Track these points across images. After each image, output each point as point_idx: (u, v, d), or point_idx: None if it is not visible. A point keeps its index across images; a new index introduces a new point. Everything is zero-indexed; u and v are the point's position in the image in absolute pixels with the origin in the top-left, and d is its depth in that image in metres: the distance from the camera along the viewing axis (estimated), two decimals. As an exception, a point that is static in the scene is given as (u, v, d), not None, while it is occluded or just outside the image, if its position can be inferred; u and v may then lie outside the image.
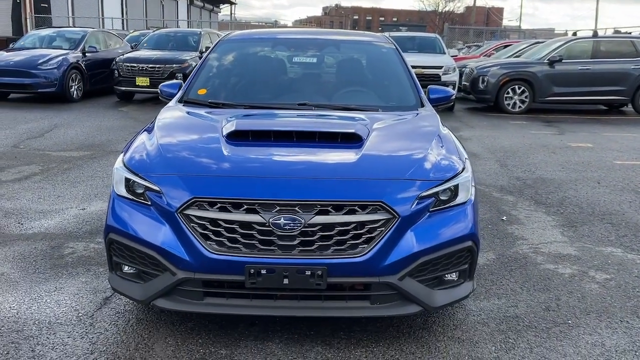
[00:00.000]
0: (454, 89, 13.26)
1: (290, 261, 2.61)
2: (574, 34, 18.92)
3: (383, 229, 2.65)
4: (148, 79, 12.71)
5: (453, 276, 2.92)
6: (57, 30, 15.10)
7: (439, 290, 2.86)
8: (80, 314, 3.16)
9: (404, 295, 2.72)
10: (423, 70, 13.18)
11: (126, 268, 2.89)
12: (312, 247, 2.63)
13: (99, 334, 2.96)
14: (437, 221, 2.81)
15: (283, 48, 4.44)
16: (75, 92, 12.90)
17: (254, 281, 2.62)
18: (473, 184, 3.07)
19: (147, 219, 2.75)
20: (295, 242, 2.61)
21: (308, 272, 2.60)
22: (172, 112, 3.59)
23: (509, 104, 12.99)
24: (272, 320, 3.07)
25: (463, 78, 14.63)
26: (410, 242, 2.70)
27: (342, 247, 2.64)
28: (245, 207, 2.61)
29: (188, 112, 3.57)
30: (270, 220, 2.59)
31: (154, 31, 16.83)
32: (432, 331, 3.07)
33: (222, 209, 2.63)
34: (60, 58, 12.71)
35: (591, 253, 4.31)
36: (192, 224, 2.65)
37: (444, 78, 13.16)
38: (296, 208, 2.61)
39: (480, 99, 13.78)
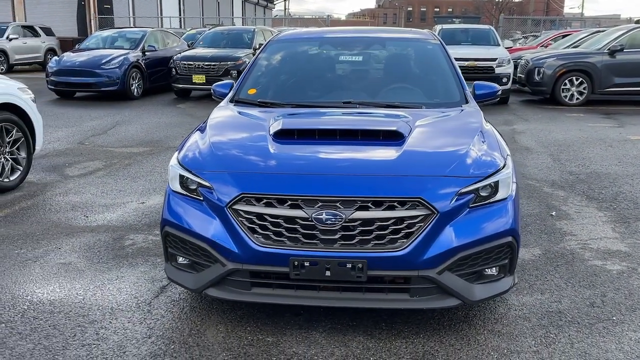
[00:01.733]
0: (507, 81, 13.05)
1: (332, 254, 2.73)
2: (637, 21, 18.18)
3: (422, 224, 2.74)
4: (204, 76, 13.09)
5: (493, 271, 2.98)
6: (119, 31, 15.71)
7: (478, 285, 2.93)
8: (139, 301, 3.39)
9: (443, 288, 2.81)
10: (476, 62, 13.04)
11: (180, 259, 3.09)
12: (353, 241, 2.75)
13: (156, 320, 3.17)
14: (477, 217, 2.87)
15: (330, 47, 4.56)
16: (135, 90, 13.42)
17: (297, 273, 2.76)
18: (514, 180, 3.11)
19: (200, 213, 2.94)
20: (337, 237, 2.74)
21: (349, 265, 2.73)
22: (223, 112, 3.78)
23: (566, 96, 12.68)
24: (317, 311, 3.20)
25: (518, 70, 14.36)
26: (449, 238, 2.78)
27: (382, 242, 2.74)
28: (289, 202, 2.76)
29: (239, 112, 3.75)
30: (313, 215, 2.73)
31: (209, 29, 17.25)
32: (472, 324, 3.13)
33: (268, 204, 2.78)
34: (122, 58, 13.26)
35: (642, 249, 4.25)
36: (240, 219, 2.82)
37: (497, 70, 12.95)
38: (337, 204, 2.73)
39: (535, 91, 13.51)
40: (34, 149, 6.12)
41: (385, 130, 3.18)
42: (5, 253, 4.14)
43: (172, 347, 2.90)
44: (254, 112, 3.73)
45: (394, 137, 3.15)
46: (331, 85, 4.24)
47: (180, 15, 32.80)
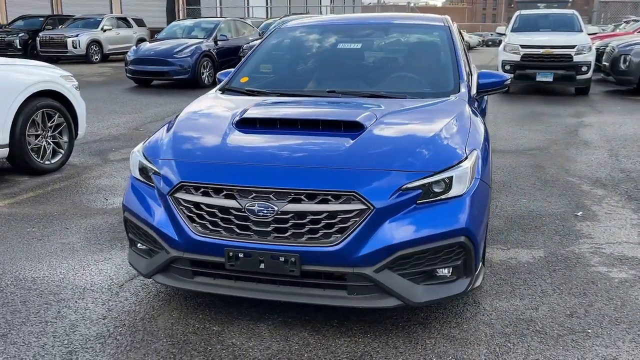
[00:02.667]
0: (588, 70, 12.21)
1: (265, 247, 2.68)
2: None
3: (357, 219, 2.62)
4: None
5: (445, 272, 2.81)
6: (195, 21, 16.24)
7: (425, 286, 2.77)
8: (112, 283, 3.50)
9: (381, 287, 2.68)
10: (552, 50, 12.31)
11: (139, 244, 3.15)
12: (286, 234, 2.68)
13: (118, 302, 3.26)
14: (423, 214, 2.70)
15: (332, 35, 4.44)
16: (206, 78, 13.84)
17: (232, 264, 2.73)
18: (478, 176, 2.90)
19: (150, 200, 2.98)
20: (269, 229, 2.68)
21: (282, 259, 2.66)
22: (201, 101, 3.80)
23: (653, 87, 11.67)
24: (274, 304, 3.16)
25: (603, 58, 13.40)
26: (387, 235, 2.64)
27: (316, 236, 2.65)
28: (225, 192, 2.73)
29: (215, 100, 3.74)
30: (246, 206, 2.68)
31: (280, 18, 17.44)
32: (428, 327, 2.97)
33: (205, 194, 2.77)
34: (194, 47, 13.71)
35: (662, 257, 3.84)
36: (180, 207, 2.83)
37: (576, 58, 12.15)
38: (270, 195, 2.67)
39: (620, 80, 12.54)
40: (76, 134, 6.47)
41: (346, 121, 3.07)
42: (17, 231, 4.41)
43: (120, 330, 2.97)
44: (231, 101, 3.71)
45: (353, 128, 3.02)
46: (321, 74, 4.14)
47: (267, 4, 33.37)
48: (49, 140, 6.15)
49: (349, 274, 2.66)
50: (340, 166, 2.73)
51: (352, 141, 2.90)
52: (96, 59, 21.35)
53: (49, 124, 6.12)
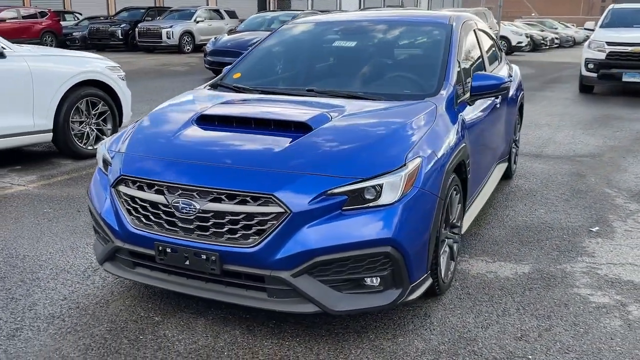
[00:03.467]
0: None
1: (189, 244, 2.72)
2: None
3: (275, 222, 2.60)
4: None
5: (374, 281, 2.72)
6: (275, 14, 16.55)
7: (348, 294, 2.70)
8: (89, 267, 3.69)
9: (298, 292, 2.64)
10: (641, 48, 11.35)
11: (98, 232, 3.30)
12: (207, 233, 2.71)
13: (85, 285, 3.44)
14: (348, 221, 2.63)
15: (329, 33, 4.38)
16: (278, 71, 14.07)
17: (162, 258, 2.80)
18: (419, 185, 2.78)
19: (103, 191, 3.12)
20: (193, 226, 2.72)
21: (204, 256, 2.70)
22: (183, 96, 3.88)
23: None
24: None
25: None
26: (305, 240, 2.60)
27: (235, 236, 2.66)
28: (156, 187, 2.80)
29: (194, 96, 3.82)
30: (172, 202, 2.74)
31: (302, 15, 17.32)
32: (362, 336, 2.89)
33: (140, 188, 2.86)
34: (268, 39, 13.97)
35: (663, 284, 3.48)
36: (121, 199, 2.94)
37: (669, 59, 11.13)
38: (194, 193, 2.71)
39: None
40: (120, 121, 6.84)
41: (295, 122, 3.03)
42: (36, 211, 4.75)
43: (71, 312, 3.14)
44: (213, 96, 3.77)
45: (301, 129, 2.99)
46: (309, 73, 4.11)
47: (360, 7, 33.24)
48: (93, 127, 6.54)
49: (267, 277, 2.65)
50: (264, 168, 2.72)
51: (289, 143, 2.87)
52: (188, 49, 22.31)
53: (93, 112, 6.51)
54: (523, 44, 26.33)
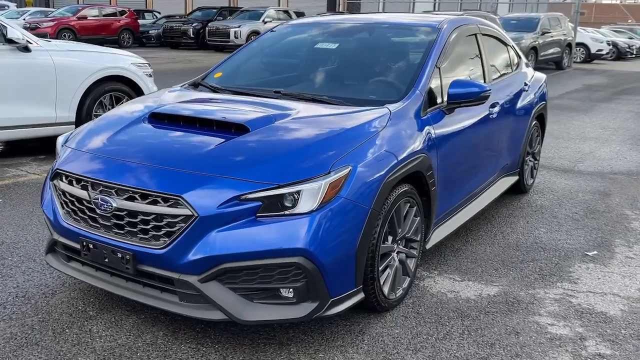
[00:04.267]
0: None
1: (108, 241, 2.71)
2: None
3: (183, 224, 2.54)
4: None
5: (288, 293, 2.61)
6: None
7: (260, 304, 2.60)
8: (55, 257, 3.77)
9: (205, 298, 2.57)
10: None
11: (51, 224, 3.36)
12: (123, 231, 2.68)
13: (42, 274, 3.50)
14: (260, 228, 2.54)
15: (315, 35, 4.26)
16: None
17: (86, 253, 2.81)
18: (344, 195, 2.64)
19: (47, 184, 3.17)
20: (110, 224, 2.71)
21: (119, 255, 2.68)
22: (157, 92, 3.89)
23: None
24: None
25: None
26: (212, 244, 2.52)
27: (147, 236, 2.63)
28: (82, 183, 2.81)
29: (164, 94, 3.80)
30: (93, 198, 2.74)
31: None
32: (285, 347, 2.78)
33: (70, 183, 2.88)
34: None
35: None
36: (56, 193, 2.98)
37: None
38: (113, 191, 2.69)
39: None
40: (144, 117, 7.00)
41: (235, 123, 2.96)
42: (36, 199, 4.93)
43: (15, 300, 3.20)
44: (182, 95, 3.74)
45: (239, 131, 2.91)
46: (282, 74, 4.02)
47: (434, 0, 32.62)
48: (116, 122, 6.74)
49: (176, 280, 2.60)
50: (180, 168, 2.66)
51: (218, 144, 2.80)
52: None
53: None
54: (604, 52, 24.91)
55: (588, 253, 4.06)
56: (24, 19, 23.58)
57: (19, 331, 2.90)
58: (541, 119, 5.54)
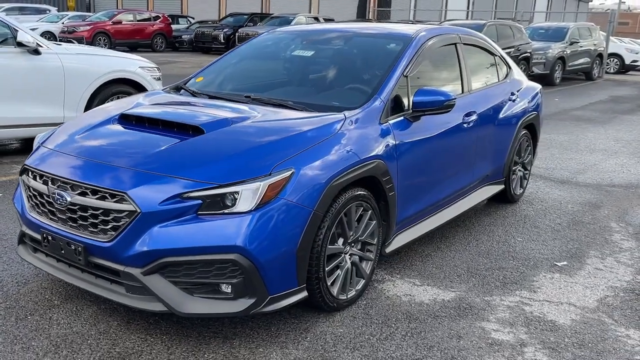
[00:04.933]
0: None
1: (63, 233, 2.88)
2: None
3: (127, 219, 2.69)
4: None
5: (227, 289, 2.73)
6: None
7: (200, 298, 2.73)
8: (37, 249, 3.98)
9: (147, 290, 2.71)
10: None
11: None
12: (76, 224, 2.85)
13: (20, 265, 3.71)
14: (200, 225, 2.67)
15: (293, 42, 4.39)
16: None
17: (46, 244, 2.99)
18: (283, 197, 2.75)
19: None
20: (65, 217, 2.88)
21: (72, 247, 2.85)
22: (134, 97, 4.07)
23: None
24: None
25: None
26: (155, 239, 2.66)
27: (96, 230, 2.79)
28: (44, 178, 2.99)
29: (142, 96, 3.97)
30: (50, 193, 2.91)
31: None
32: (229, 341, 2.90)
33: (34, 178, 3.07)
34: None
35: (594, 329, 3.15)
36: (24, 186, 3.17)
37: None
38: (69, 186, 2.86)
39: None
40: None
41: (192, 125, 3.10)
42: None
43: (-10, 286, 3.42)
44: (160, 98, 3.91)
45: (196, 132, 3.06)
46: (255, 80, 4.16)
47: (467, 8, 32.38)
48: (123, 123, 6.99)
49: (121, 272, 2.75)
50: (129, 167, 2.81)
51: (171, 144, 2.95)
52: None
53: (124, 109, 6.95)
54: (639, 63, 24.36)
55: (557, 263, 4.06)
56: (63, 23, 24.41)
57: (-14, 316, 3.09)
58: (532, 128, 5.53)
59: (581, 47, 18.32)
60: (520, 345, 2.98)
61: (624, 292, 3.66)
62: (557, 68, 17.08)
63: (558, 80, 17.31)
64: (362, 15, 24.83)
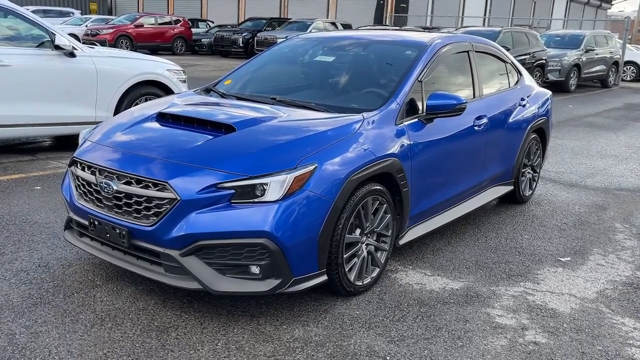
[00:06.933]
0: None
1: (109, 218, 3.21)
2: None
3: (168, 206, 3.01)
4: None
5: (256, 270, 3.04)
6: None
7: (231, 277, 3.04)
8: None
9: (184, 270, 3.03)
10: None
11: (72, 204, 3.89)
12: (121, 210, 3.18)
13: (63, 250, 4.04)
14: (232, 212, 2.98)
15: (315, 48, 4.71)
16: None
17: (93, 229, 3.32)
18: (308, 188, 3.05)
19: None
20: (111, 204, 3.21)
21: (117, 230, 3.17)
22: (169, 97, 4.40)
23: None
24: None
25: None
26: (192, 224, 2.98)
27: (139, 215, 3.11)
28: (92, 169, 3.33)
29: (177, 97, 4.31)
30: (98, 182, 3.25)
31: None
32: (239, 317, 3.20)
33: (82, 169, 3.40)
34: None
35: (591, 317, 3.42)
36: (73, 177, 3.51)
37: None
38: (115, 176, 3.19)
39: None
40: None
41: (225, 124, 3.42)
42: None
43: (38, 269, 3.73)
44: (191, 99, 4.24)
45: (228, 130, 3.38)
46: (282, 84, 4.47)
47: (485, 15, 32.54)
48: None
49: (161, 254, 3.06)
50: (170, 159, 3.13)
51: (206, 140, 3.27)
52: (301, 59, 23.30)
53: (152, 109, 7.31)
54: (655, 71, 24.36)
55: (561, 259, 4.32)
56: (86, 26, 25.01)
57: (36, 293, 3.43)
58: (541, 133, 5.79)
59: (597, 54, 18.46)
60: (522, 329, 3.25)
61: (622, 285, 3.91)
62: (572, 75, 17.23)
63: (573, 88, 17.47)
64: (379, 21, 25.13)
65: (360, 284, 3.52)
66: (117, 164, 3.23)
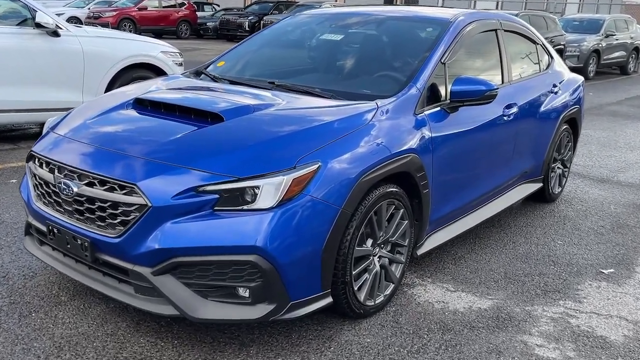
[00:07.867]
0: None
1: (70, 226, 2.65)
2: None
3: (137, 214, 2.45)
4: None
5: (245, 293, 2.48)
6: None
7: (214, 302, 2.48)
8: (47, 240, 3.78)
9: (157, 291, 2.47)
10: None
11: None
12: (83, 217, 2.62)
13: (28, 256, 3.51)
14: (216, 222, 2.42)
15: (322, 26, 4.10)
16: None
17: (52, 237, 2.77)
18: (309, 193, 2.48)
19: (28, 166, 3.15)
20: (72, 209, 2.65)
21: (79, 241, 2.62)
22: (151, 80, 3.82)
23: None
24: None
25: None
26: (166, 236, 2.42)
27: (103, 224, 2.55)
28: (50, 166, 2.76)
29: (160, 80, 3.73)
30: (57, 182, 2.68)
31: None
32: (228, 347, 2.65)
33: (40, 165, 2.84)
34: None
35: (644, 347, 2.84)
36: (30, 174, 2.95)
37: None
38: (76, 176, 2.63)
39: None
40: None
41: (211, 112, 2.84)
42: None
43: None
44: (178, 82, 3.66)
45: (214, 120, 2.80)
46: (281, 66, 3.88)
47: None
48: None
49: (130, 271, 2.51)
50: (141, 156, 2.56)
51: (187, 132, 2.70)
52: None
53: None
54: (676, 58, 23.50)
55: (603, 270, 3.73)
56: (89, 8, 24.38)
57: (-10, 311, 2.89)
58: (573, 123, 5.18)
59: (617, 40, 17.67)
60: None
61: (679, 305, 3.33)
62: (591, 61, 16.49)
63: (592, 74, 16.72)
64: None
65: (372, 303, 2.96)
66: (78, 161, 2.66)
